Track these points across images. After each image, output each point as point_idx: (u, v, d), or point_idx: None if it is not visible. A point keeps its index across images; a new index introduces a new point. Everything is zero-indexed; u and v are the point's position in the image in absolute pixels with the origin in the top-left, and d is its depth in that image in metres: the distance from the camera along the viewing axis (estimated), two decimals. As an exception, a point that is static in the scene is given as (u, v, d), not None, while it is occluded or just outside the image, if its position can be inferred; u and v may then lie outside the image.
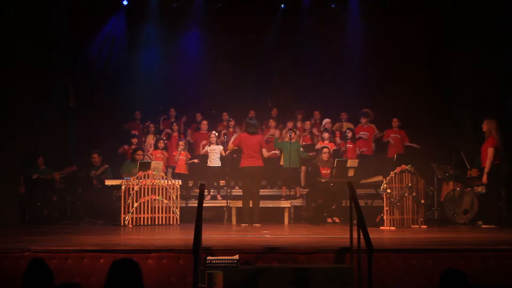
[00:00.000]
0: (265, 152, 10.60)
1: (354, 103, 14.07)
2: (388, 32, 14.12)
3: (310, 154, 12.38)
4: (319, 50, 14.82)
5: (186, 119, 14.30)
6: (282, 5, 15.09)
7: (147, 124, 13.64)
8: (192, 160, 12.66)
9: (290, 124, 12.99)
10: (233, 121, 13.66)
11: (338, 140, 13.07)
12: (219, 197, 12.50)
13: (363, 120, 13.21)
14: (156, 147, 12.53)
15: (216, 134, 12.64)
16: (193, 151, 13.26)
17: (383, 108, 13.70)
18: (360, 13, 14.74)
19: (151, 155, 12.30)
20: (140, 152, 11.75)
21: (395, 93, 13.72)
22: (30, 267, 4.41)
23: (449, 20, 13.51)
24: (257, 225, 10.27)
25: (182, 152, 12.53)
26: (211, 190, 12.64)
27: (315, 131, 13.52)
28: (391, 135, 12.94)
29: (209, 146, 12.42)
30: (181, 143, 12.60)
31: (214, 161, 12.41)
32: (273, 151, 11.38)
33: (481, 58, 12.89)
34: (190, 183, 12.81)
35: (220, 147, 12.35)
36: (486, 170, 10.09)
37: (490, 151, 10.10)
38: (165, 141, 12.81)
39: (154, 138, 13.10)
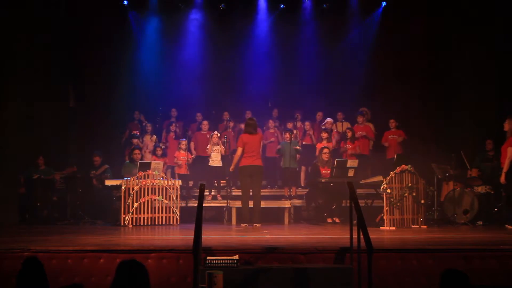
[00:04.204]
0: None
1: (353, 103, 14.08)
2: (387, 33, 14.14)
3: (298, 147, 12.31)
4: (319, 49, 14.83)
5: (186, 119, 14.28)
6: (281, 5, 15.06)
7: (144, 124, 13.60)
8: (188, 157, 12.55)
9: (289, 125, 13.00)
10: (233, 122, 13.63)
11: (336, 139, 13.05)
12: (219, 197, 12.50)
13: (359, 119, 13.19)
14: (154, 154, 12.43)
15: (218, 134, 12.59)
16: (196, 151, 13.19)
17: (382, 109, 13.70)
18: (360, 12, 14.77)
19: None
20: (137, 151, 11.74)
21: (394, 93, 13.71)
22: (24, 266, 4.42)
23: (449, 20, 13.52)
24: (257, 225, 10.26)
25: (183, 152, 12.48)
26: (212, 190, 12.63)
27: (315, 132, 13.45)
28: (389, 136, 12.95)
29: (210, 145, 12.38)
30: (183, 142, 12.54)
31: (216, 161, 12.37)
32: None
33: (481, 58, 12.90)
34: (190, 183, 12.80)
35: (221, 147, 12.34)
36: (505, 169, 9.85)
37: (510, 151, 9.84)
38: (163, 147, 12.74)
39: (152, 138, 13.07)
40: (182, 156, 12.49)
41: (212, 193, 12.62)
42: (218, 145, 12.36)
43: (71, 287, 4.60)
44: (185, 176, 12.45)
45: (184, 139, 12.67)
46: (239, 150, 10.60)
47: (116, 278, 3.95)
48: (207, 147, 12.44)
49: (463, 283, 4.19)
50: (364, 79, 14.26)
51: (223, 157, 12.39)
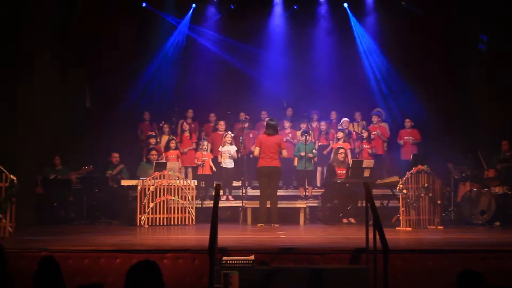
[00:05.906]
0: (285, 153, 10.71)
1: (368, 102, 14.05)
2: (404, 32, 14.08)
3: (314, 151, 12.33)
4: (333, 48, 14.80)
5: (201, 120, 14.25)
6: (295, 6, 15.04)
7: (160, 124, 13.58)
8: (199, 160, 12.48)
9: (303, 126, 12.94)
10: (247, 123, 13.57)
11: (354, 140, 13.01)
12: (230, 197, 12.43)
13: (374, 119, 13.14)
14: (168, 148, 12.45)
15: (232, 135, 12.52)
16: (212, 151, 13.12)
17: (398, 108, 13.64)
18: (375, 12, 14.74)
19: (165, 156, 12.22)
20: (154, 152, 11.78)
21: (411, 93, 13.65)
22: (41, 265, 4.45)
23: (464, 19, 13.43)
24: (275, 225, 10.26)
25: (205, 153, 12.44)
26: (232, 191, 12.58)
27: (331, 133, 13.36)
28: (404, 137, 12.88)
29: (223, 147, 12.35)
30: (204, 143, 12.44)
31: (228, 162, 12.34)
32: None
33: (497, 57, 12.81)
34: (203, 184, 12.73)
35: (234, 148, 12.29)
36: None
37: None
38: (177, 142, 12.71)
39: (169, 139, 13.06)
40: (205, 157, 12.39)
41: (232, 193, 12.56)
42: (232, 145, 12.31)
43: (92, 286, 4.62)
44: (209, 177, 12.44)
45: (204, 140, 12.63)
46: (256, 150, 10.66)
47: (128, 279, 3.93)
48: (219, 149, 12.38)
49: (479, 284, 4.16)
50: (379, 78, 14.22)
51: (237, 158, 12.33)
